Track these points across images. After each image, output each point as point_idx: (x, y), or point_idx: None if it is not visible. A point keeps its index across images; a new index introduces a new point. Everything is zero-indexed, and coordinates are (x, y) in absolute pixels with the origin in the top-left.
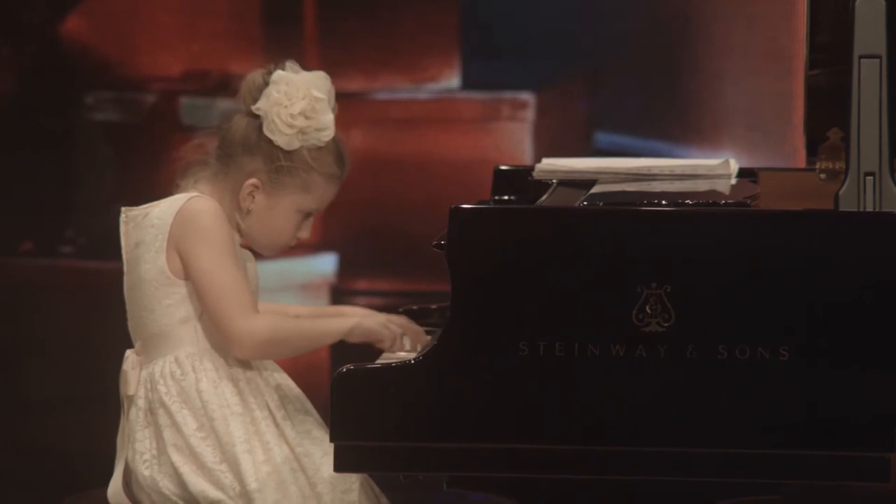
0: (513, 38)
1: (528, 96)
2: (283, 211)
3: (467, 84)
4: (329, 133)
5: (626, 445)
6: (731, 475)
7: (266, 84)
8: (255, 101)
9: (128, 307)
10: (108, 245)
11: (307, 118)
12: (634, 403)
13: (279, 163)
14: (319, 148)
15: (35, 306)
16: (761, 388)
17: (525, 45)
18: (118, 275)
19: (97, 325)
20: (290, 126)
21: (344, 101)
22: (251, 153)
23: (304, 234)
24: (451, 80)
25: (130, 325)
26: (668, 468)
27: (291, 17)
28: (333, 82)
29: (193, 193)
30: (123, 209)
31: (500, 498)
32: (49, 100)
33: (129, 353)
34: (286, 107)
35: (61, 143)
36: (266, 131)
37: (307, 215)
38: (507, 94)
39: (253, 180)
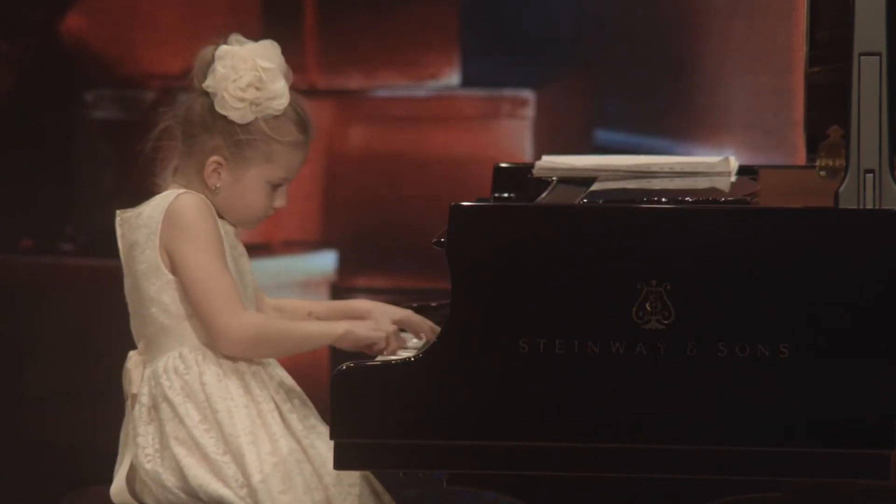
0: (512, 36)
1: (527, 94)
2: (251, 184)
3: (467, 81)
4: (283, 101)
5: (626, 443)
6: (731, 472)
7: (214, 60)
8: (206, 77)
9: (129, 308)
10: (108, 243)
11: (257, 89)
12: (635, 401)
13: (238, 137)
14: (276, 117)
15: (35, 304)
16: (761, 386)
17: (525, 43)
18: (118, 272)
19: (97, 323)
20: (241, 100)
21: (344, 99)
22: (209, 131)
23: (280, 203)
24: (451, 77)
25: (133, 326)
26: (669, 465)
27: (291, 14)
28: (333, 80)
29: (181, 190)
30: (118, 212)
31: (500, 495)
32: (49, 97)
33: (132, 353)
34: (234, 81)
35: (61, 140)
36: (218, 108)
37: (277, 185)
38: (507, 92)
39: (215, 157)
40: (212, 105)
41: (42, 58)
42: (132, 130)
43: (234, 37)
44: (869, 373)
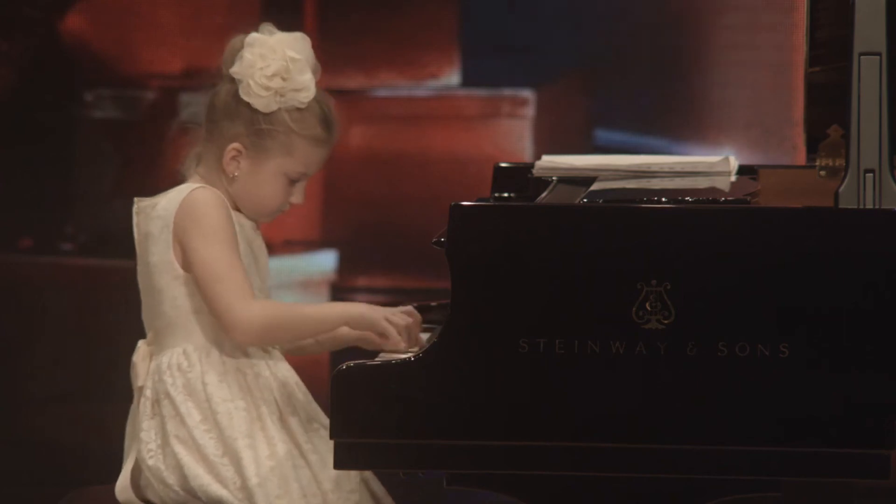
0: (513, 35)
1: (527, 93)
2: (268, 175)
3: (467, 81)
4: (308, 94)
5: (627, 443)
6: (731, 472)
7: (243, 48)
8: (234, 64)
9: (142, 296)
10: (108, 242)
11: (283, 79)
12: (634, 401)
13: (259, 126)
14: (300, 110)
15: (35, 303)
16: (761, 386)
17: (525, 42)
18: (118, 272)
19: (97, 323)
20: (266, 88)
21: (344, 98)
22: (231, 118)
23: (297, 199)
24: (451, 76)
25: (144, 314)
26: (669, 465)
27: (291, 14)
28: (333, 79)
29: (196, 184)
30: (136, 199)
31: (500, 495)
32: (49, 97)
33: (140, 343)
34: (261, 69)
35: (61, 140)
36: (243, 94)
37: (296, 180)
38: (507, 91)
39: (235, 144)
40: (237, 91)
41: (42, 57)
42: (132, 130)
43: (266, 26)
44: (869, 372)
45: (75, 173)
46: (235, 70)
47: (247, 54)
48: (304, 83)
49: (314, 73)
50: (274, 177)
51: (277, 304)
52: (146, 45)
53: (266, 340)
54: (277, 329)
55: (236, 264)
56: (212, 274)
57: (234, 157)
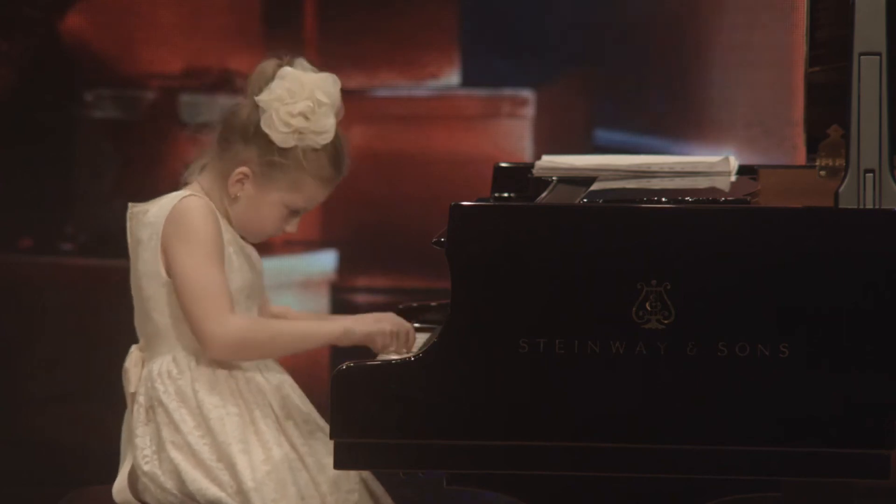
0: (513, 35)
1: (527, 93)
2: (269, 204)
3: (467, 81)
4: (327, 137)
5: (627, 443)
6: (731, 472)
7: (274, 77)
8: (261, 91)
9: (134, 302)
10: (108, 242)
11: (306, 119)
12: (634, 401)
13: (272, 157)
14: (315, 150)
15: (35, 303)
16: (761, 386)
17: (525, 42)
18: (118, 272)
19: (97, 323)
20: (288, 125)
21: (344, 99)
22: (247, 142)
23: (291, 229)
24: (451, 76)
25: (136, 320)
26: (669, 465)
27: (292, 14)
28: None
29: (187, 192)
30: (130, 205)
31: (500, 495)
32: (49, 97)
33: (133, 348)
34: (287, 104)
35: (61, 140)
36: (263, 125)
37: (295, 212)
38: (507, 91)
39: (243, 168)
40: (258, 119)
41: (42, 57)
42: (132, 130)
43: (300, 61)
44: (869, 372)
45: (75, 173)
46: (262, 98)
47: (276, 86)
48: (326, 127)
49: (337, 116)
50: (275, 206)
51: (254, 322)
52: (146, 45)
53: (239, 357)
54: (249, 349)
55: (216, 279)
56: (189, 287)
57: (239, 180)
